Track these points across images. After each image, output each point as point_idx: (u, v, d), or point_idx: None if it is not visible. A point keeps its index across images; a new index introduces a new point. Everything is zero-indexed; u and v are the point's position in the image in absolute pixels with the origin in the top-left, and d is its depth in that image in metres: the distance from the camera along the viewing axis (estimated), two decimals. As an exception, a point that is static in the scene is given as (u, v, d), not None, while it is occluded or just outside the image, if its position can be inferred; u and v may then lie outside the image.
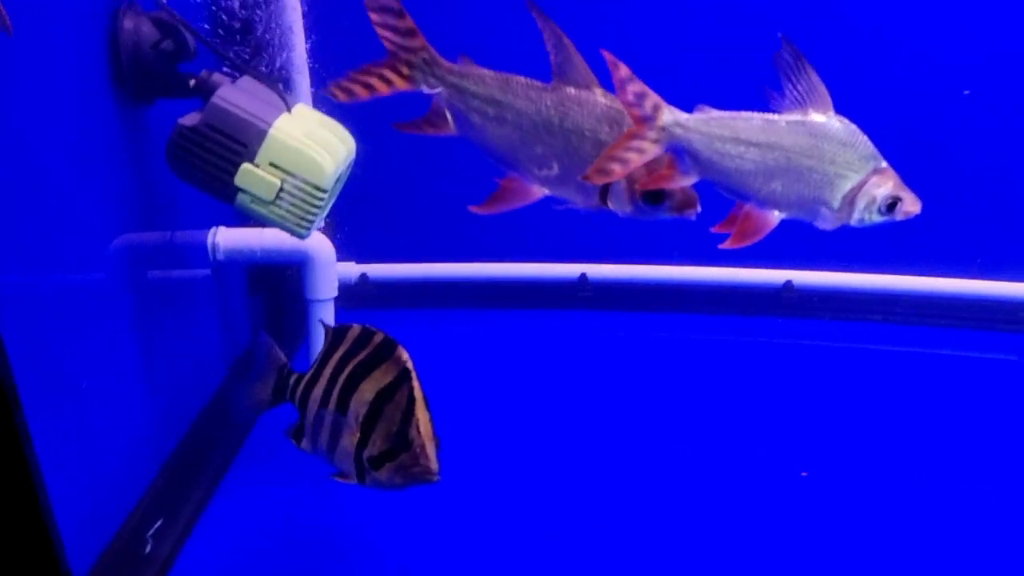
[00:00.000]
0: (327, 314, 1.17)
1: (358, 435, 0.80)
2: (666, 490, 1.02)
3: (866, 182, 0.76)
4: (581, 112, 0.76)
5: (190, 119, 0.88)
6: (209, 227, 1.12)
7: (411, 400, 0.78)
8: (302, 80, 1.19)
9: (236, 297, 1.25)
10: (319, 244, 1.14)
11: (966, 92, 1.27)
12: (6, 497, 0.70)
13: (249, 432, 1.10)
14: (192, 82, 0.90)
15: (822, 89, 0.75)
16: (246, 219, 1.03)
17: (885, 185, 0.76)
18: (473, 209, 0.82)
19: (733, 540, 0.95)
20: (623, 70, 0.73)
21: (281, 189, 0.88)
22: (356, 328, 0.83)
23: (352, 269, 1.43)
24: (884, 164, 0.77)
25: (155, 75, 0.91)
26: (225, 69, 0.95)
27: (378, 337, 0.81)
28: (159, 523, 0.90)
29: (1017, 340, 1.36)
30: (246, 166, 0.87)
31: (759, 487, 1.03)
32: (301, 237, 0.92)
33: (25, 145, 0.76)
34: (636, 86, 0.73)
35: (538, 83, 0.77)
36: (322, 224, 0.98)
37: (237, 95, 0.89)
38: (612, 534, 0.96)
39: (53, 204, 0.81)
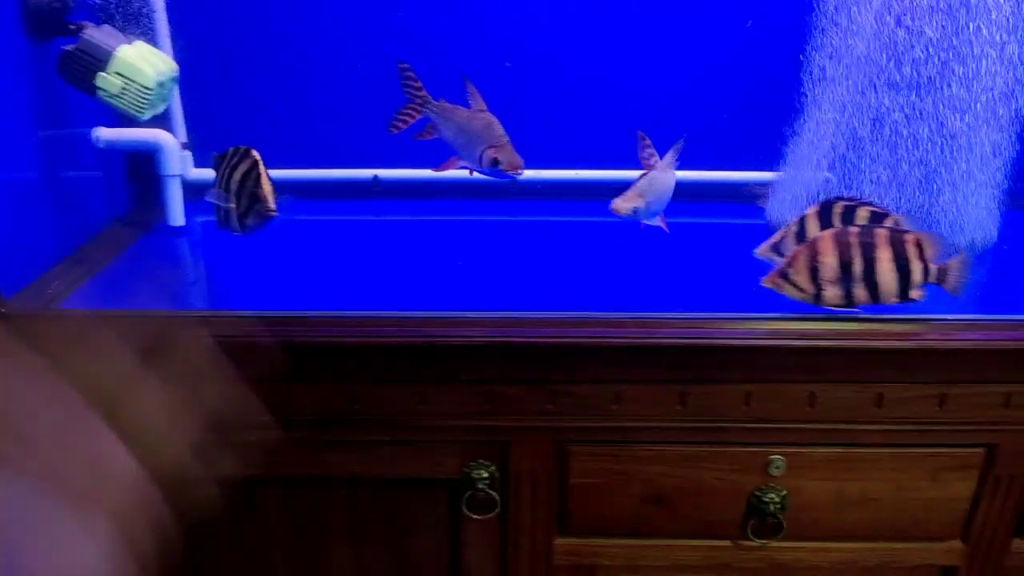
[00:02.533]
0: (176, 188, 1.79)
1: (234, 202, 1.45)
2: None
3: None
4: (475, 123, 1.49)
5: (69, 47, 1.51)
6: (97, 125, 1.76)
7: (259, 175, 1.43)
8: (163, 27, 1.79)
9: (119, 176, 1.87)
10: (165, 137, 1.77)
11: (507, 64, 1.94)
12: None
13: (127, 249, 1.71)
14: (72, 26, 1.52)
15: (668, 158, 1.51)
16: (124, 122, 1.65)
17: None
18: (432, 170, 1.60)
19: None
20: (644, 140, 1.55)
21: (123, 88, 1.51)
22: (231, 149, 1.48)
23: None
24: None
25: (51, 22, 1.52)
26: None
27: (241, 148, 1.46)
28: (56, 282, 1.51)
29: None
30: (101, 74, 1.50)
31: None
32: (140, 120, 1.54)
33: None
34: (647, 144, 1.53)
35: (462, 108, 1.52)
36: (160, 111, 1.59)
37: (98, 33, 1.51)
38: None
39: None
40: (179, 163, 1.78)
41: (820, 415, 1.37)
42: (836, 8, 1.65)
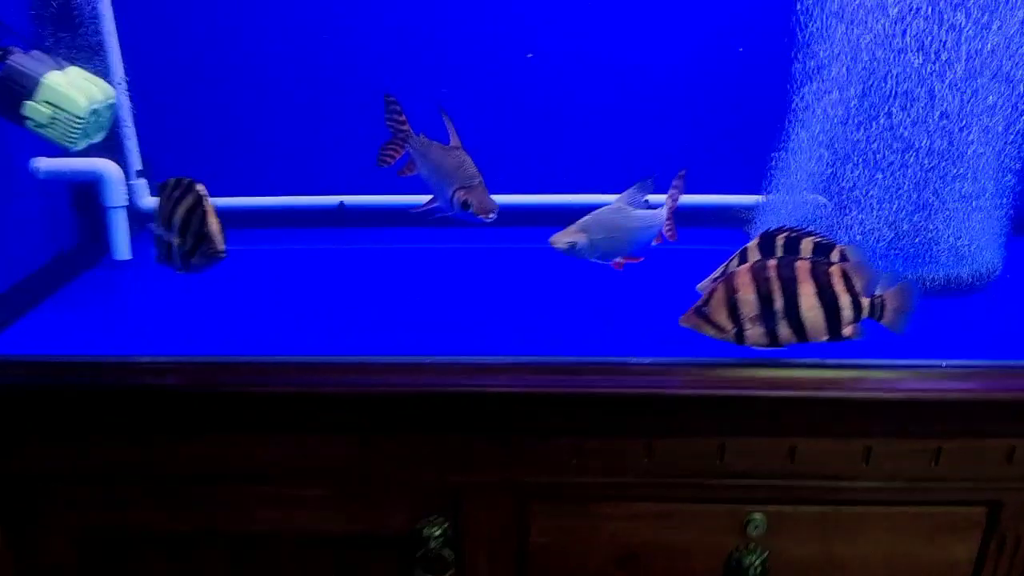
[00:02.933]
0: (121, 220, 1.70)
1: (178, 239, 1.31)
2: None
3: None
4: (451, 159, 1.37)
5: (-6, 75, 1.42)
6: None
7: (205, 211, 1.29)
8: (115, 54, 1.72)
9: (63, 205, 1.78)
10: (108, 166, 1.68)
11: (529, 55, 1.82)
12: None
13: (66, 286, 1.63)
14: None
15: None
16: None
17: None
18: (414, 209, 1.49)
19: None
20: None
21: (52, 118, 1.42)
22: (172, 180, 1.34)
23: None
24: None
25: (-23, 50, 1.45)
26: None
27: (184, 180, 1.32)
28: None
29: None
30: (28, 103, 1.41)
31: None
32: (71, 149, 1.45)
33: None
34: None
35: (438, 143, 1.41)
36: (98, 140, 1.50)
37: (25, 59, 1.42)
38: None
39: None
40: (123, 193, 1.70)
41: (802, 470, 1.24)
42: (828, 29, 1.54)
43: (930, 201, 1.48)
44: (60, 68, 1.42)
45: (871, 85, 1.49)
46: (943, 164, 1.46)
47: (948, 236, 1.49)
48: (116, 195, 1.67)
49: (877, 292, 1.17)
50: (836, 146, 1.55)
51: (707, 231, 1.89)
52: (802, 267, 1.16)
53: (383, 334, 1.46)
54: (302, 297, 1.61)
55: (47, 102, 1.39)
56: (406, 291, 1.64)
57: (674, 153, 1.90)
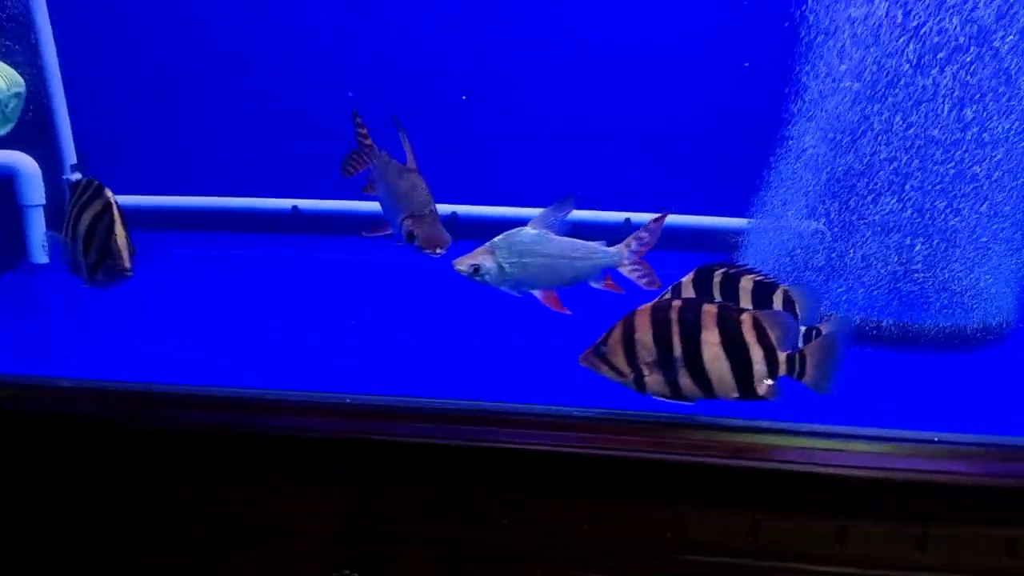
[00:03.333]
0: (38, 220, 1.56)
1: (82, 250, 1.18)
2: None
3: None
4: (403, 182, 1.23)
5: None
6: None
7: (112, 222, 1.15)
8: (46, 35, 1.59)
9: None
10: (23, 161, 1.54)
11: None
12: None
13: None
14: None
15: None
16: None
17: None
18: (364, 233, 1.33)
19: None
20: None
21: (-51, 105, 1.29)
22: (83, 180, 1.21)
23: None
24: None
25: None
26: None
27: (94, 183, 1.19)
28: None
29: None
30: (-84, 89, 1.28)
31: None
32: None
33: None
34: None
35: (396, 162, 1.27)
36: (2, 134, 1.36)
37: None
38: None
39: None
40: (40, 191, 1.55)
41: (765, 549, 1.08)
42: (838, 56, 1.38)
43: (933, 241, 1.31)
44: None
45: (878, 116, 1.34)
46: (949, 198, 1.29)
47: (953, 281, 1.32)
48: (33, 192, 1.53)
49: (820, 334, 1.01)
50: (836, 174, 1.40)
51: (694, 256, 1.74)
52: (708, 312, 1.00)
53: (309, 359, 1.33)
54: (227, 310, 1.48)
55: (-57, 89, 1.27)
56: (345, 309, 1.51)
57: (658, 169, 1.75)
